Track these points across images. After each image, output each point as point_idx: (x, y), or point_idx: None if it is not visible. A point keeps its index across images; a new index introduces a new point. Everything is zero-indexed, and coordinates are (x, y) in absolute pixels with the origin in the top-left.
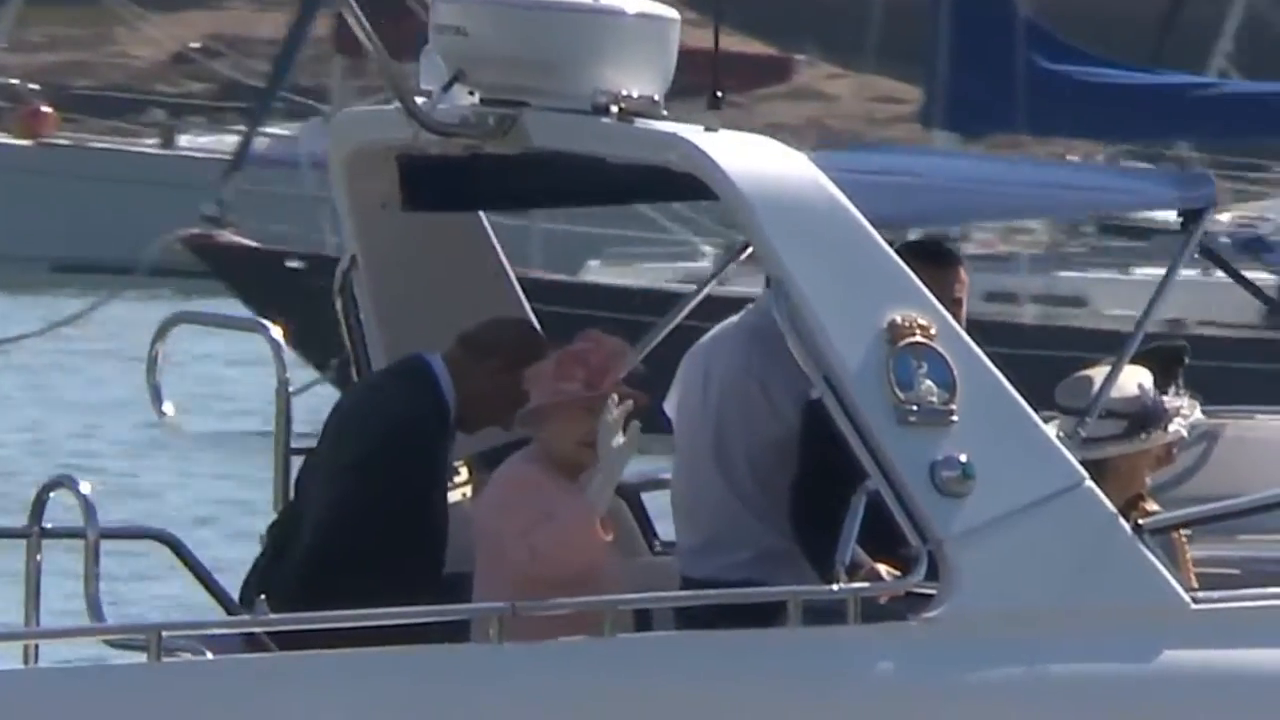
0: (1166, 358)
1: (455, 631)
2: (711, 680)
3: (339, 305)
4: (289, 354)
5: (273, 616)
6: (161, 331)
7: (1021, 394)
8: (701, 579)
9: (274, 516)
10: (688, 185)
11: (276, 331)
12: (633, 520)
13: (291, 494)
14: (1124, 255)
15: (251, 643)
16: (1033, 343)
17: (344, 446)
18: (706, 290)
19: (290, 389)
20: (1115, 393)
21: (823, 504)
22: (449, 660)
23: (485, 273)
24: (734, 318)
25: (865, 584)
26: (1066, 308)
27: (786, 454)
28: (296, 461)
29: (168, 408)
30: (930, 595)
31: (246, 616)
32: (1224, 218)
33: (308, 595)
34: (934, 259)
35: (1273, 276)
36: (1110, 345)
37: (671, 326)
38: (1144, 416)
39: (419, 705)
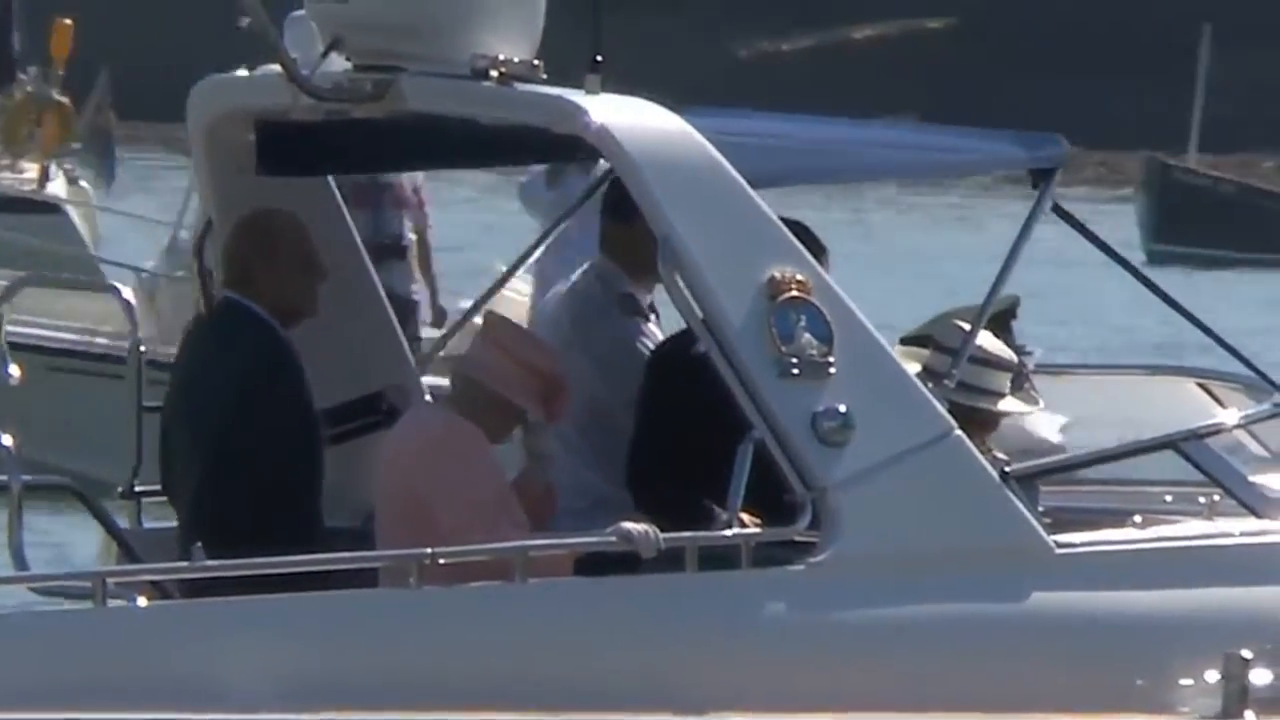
0: (999, 312)
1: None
2: (616, 622)
3: (195, 267)
4: None
5: (211, 563)
6: (9, 293)
7: None
8: None
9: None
10: (560, 145)
11: (128, 292)
12: None
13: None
14: None
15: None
16: None
17: (201, 409)
18: (541, 249)
19: (143, 347)
20: (996, 349)
21: (659, 456)
22: (375, 603)
23: (333, 236)
24: (564, 284)
25: (758, 530)
26: None
27: (605, 408)
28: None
29: (14, 370)
30: (813, 541)
31: (187, 563)
32: None
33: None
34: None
35: None
36: None
37: (507, 280)
38: (1020, 376)
39: (352, 646)
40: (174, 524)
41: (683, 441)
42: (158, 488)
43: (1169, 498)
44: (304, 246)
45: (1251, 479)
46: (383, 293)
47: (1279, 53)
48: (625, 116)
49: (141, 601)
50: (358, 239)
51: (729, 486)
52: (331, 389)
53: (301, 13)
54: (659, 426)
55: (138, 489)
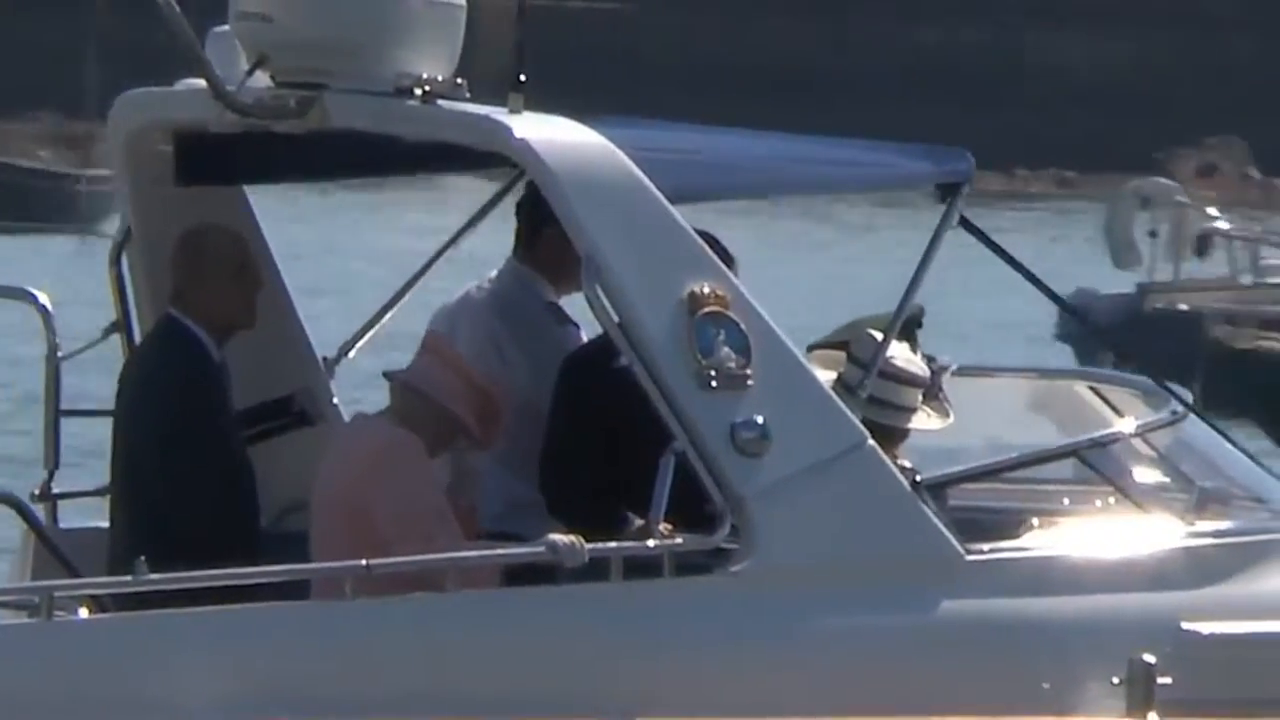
0: (906, 322)
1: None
2: (546, 631)
3: (111, 276)
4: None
5: (154, 576)
6: None
7: None
8: None
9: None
10: (478, 157)
11: (44, 298)
12: None
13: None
14: None
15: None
16: None
17: (136, 416)
18: (444, 253)
19: (59, 354)
20: (908, 364)
21: (567, 463)
22: (317, 615)
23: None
24: (473, 285)
25: (681, 540)
26: None
27: (534, 411)
28: (66, 423)
29: None
30: (733, 549)
31: (131, 577)
32: None
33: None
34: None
35: None
36: None
37: (412, 287)
38: (934, 391)
39: (297, 655)
40: (89, 525)
41: (596, 449)
42: (73, 490)
43: (1067, 500)
44: (237, 260)
45: (1148, 483)
46: (291, 298)
47: None
48: (547, 133)
49: (83, 613)
50: (270, 247)
51: (642, 494)
52: (242, 392)
53: (225, 29)
54: (572, 433)
55: (54, 491)
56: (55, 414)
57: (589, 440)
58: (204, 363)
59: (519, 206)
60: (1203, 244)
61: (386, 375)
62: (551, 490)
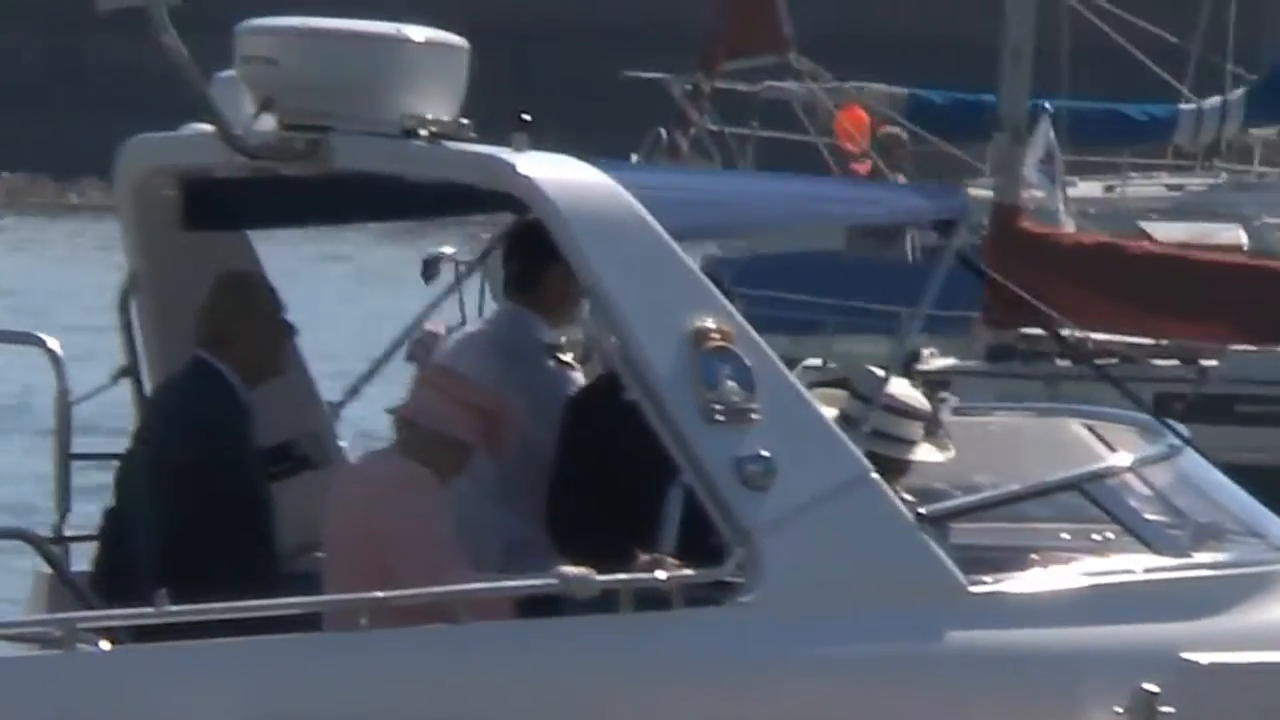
0: (905, 361)
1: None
2: (558, 662)
3: (120, 321)
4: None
5: (173, 609)
6: None
7: None
8: None
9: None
10: (484, 200)
11: (54, 343)
12: None
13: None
14: None
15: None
16: None
17: (164, 455)
18: (445, 298)
19: (70, 398)
20: (910, 398)
21: (576, 500)
22: (334, 645)
23: None
24: (471, 327)
25: (690, 572)
26: None
27: (535, 451)
28: (75, 467)
29: None
30: (740, 582)
31: (152, 609)
32: None
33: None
34: None
35: None
36: None
37: (420, 324)
38: (933, 424)
39: (315, 685)
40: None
41: (603, 485)
42: (85, 533)
43: (1066, 535)
44: (277, 307)
45: (1146, 517)
46: (296, 343)
47: None
48: (553, 173)
49: (104, 646)
50: (275, 291)
51: (648, 529)
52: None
53: (230, 73)
54: (579, 471)
55: (66, 534)
56: (65, 457)
57: (595, 478)
58: (229, 400)
59: (512, 248)
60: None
61: (389, 412)
62: (559, 528)
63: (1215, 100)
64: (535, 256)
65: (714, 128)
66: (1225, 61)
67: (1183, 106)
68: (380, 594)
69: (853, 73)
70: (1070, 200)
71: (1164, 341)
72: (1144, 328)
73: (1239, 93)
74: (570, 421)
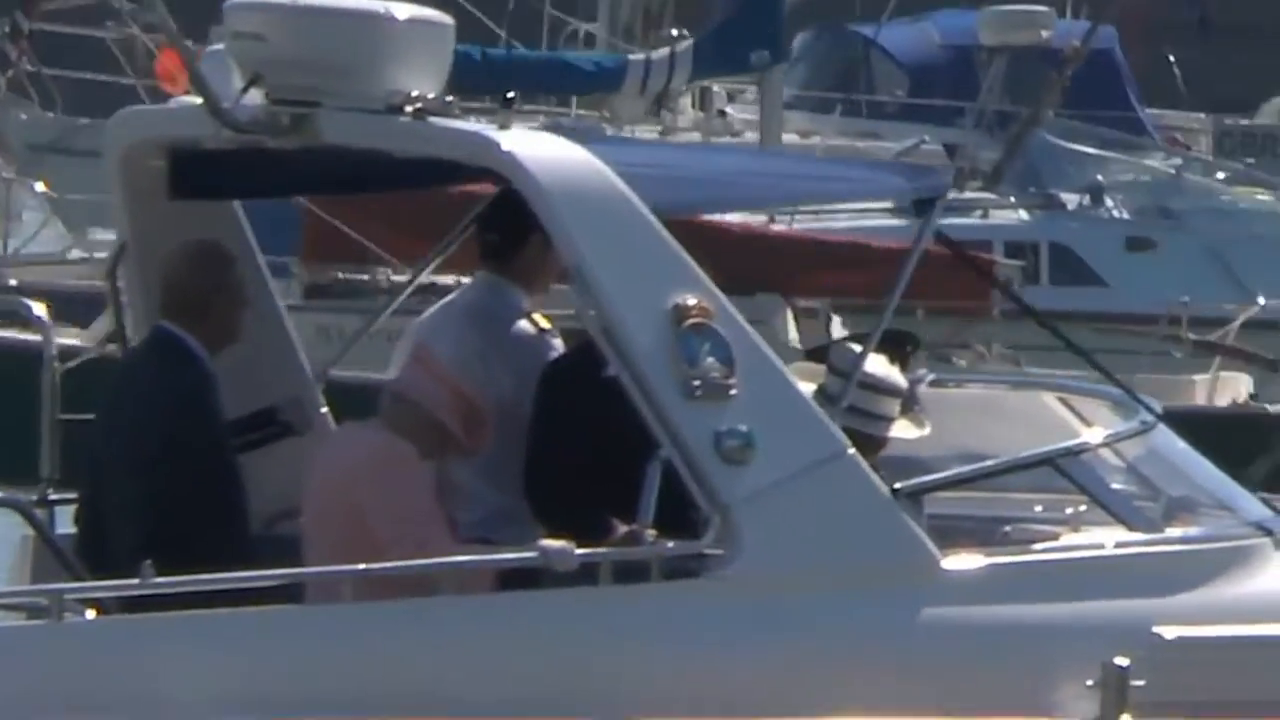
0: (899, 342)
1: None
2: (534, 633)
3: (109, 288)
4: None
5: (160, 580)
6: None
7: None
8: None
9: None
10: (465, 173)
11: (40, 308)
12: None
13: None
14: None
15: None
16: None
17: (139, 431)
18: (420, 279)
19: (57, 363)
20: (887, 375)
21: (553, 470)
22: (317, 617)
23: (239, 257)
24: (450, 298)
25: (669, 545)
26: None
27: (504, 421)
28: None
29: None
30: (718, 555)
31: (137, 580)
32: None
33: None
34: None
35: None
36: None
37: (390, 312)
38: (912, 401)
39: (297, 657)
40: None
41: (578, 456)
42: (71, 496)
43: (1039, 508)
44: (241, 276)
45: (1118, 491)
46: (282, 309)
47: None
48: (536, 149)
49: (90, 615)
50: (260, 259)
51: (623, 500)
52: (230, 403)
53: (219, 47)
54: (556, 441)
55: (51, 498)
56: (54, 423)
57: (571, 448)
58: (204, 375)
59: (490, 219)
60: None
61: (377, 384)
62: (536, 497)
63: (664, 51)
64: (515, 227)
65: (32, 68)
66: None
67: (631, 57)
68: (362, 566)
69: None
70: None
71: None
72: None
73: (687, 44)
74: (545, 392)
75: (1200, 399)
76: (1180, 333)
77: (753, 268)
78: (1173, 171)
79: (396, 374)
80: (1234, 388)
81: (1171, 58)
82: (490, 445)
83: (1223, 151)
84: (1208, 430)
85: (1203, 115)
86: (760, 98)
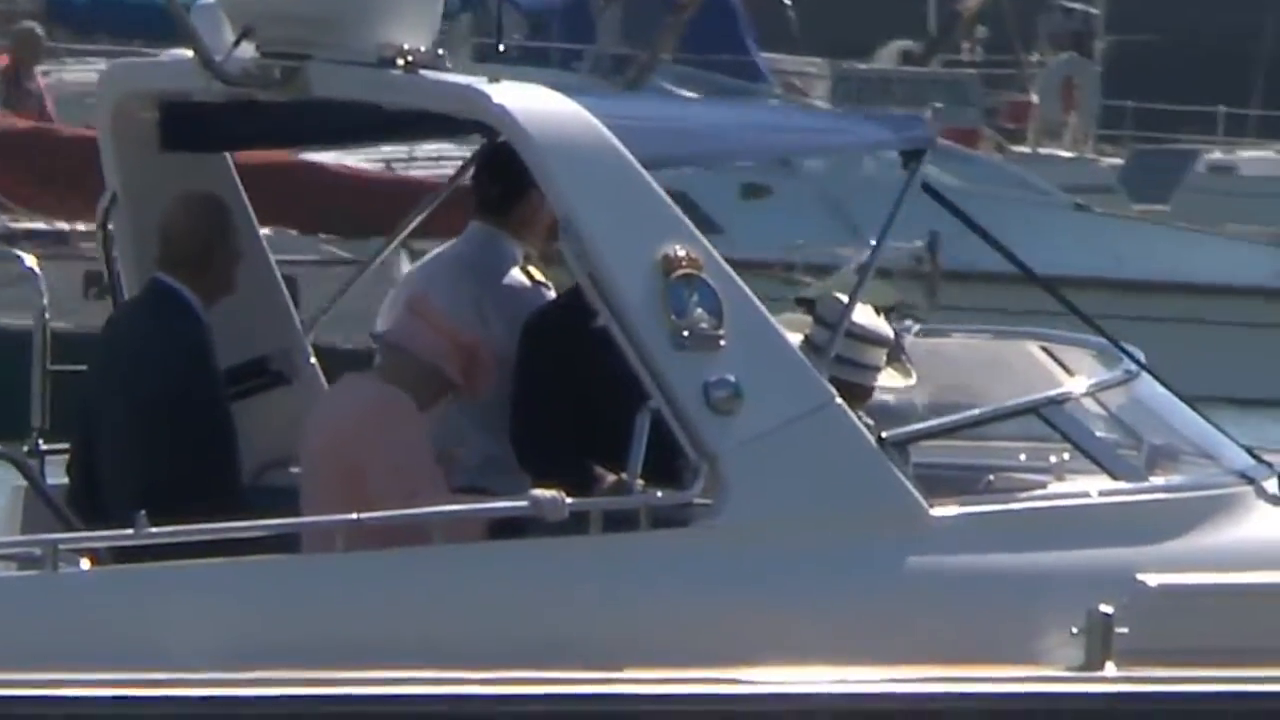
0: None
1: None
2: (526, 581)
3: (100, 238)
4: None
5: (153, 530)
6: None
7: None
8: None
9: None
10: (455, 125)
11: (30, 260)
12: None
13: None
14: None
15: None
16: None
17: (136, 383)
18: (401, 237)
19: (47, 315)
20: (873, 325)
21: (537, 418)
22: (311, 567)
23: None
24: (442, 248)
25: (658, 495)
26: None
27: (502, 370)
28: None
29: None
30: (707, 504)
31: (132, 530)
32: None
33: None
34: None
35: None
36: None
37: (371, 269)
38: (898, 351)
39: (291, 606)
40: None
41: (562, 404)
42: (60, 446)
43: (1023, 456)
44: (236, 227)
45: (1102, 440)
46: (272, 260)
47: None
48: (527, 102)
49: (85, 565)
50: (250, 210)
51: (608, 449)
52: (223, 353)
53: (211, 1)
54: (537, 391)
55: (42, 448)
56: (45, 373)
57: (552, 397)
58: (199, 326)
59: (485, 170)
60: None
61: (374, 336)
62: (519, 446)
63: None
64: (516, 179)
65: None
66: None
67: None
68: (354, 516)
69: None
70: None
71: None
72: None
73: None
74: (529, 340)
75: None
76: (795, 278)
77: (370, 212)
78: None
79: (390, 326)
80: None
81: (788, 1)
82: (489, 392)
83: (840, 96)
84: None
85: (820, 60)
86: None
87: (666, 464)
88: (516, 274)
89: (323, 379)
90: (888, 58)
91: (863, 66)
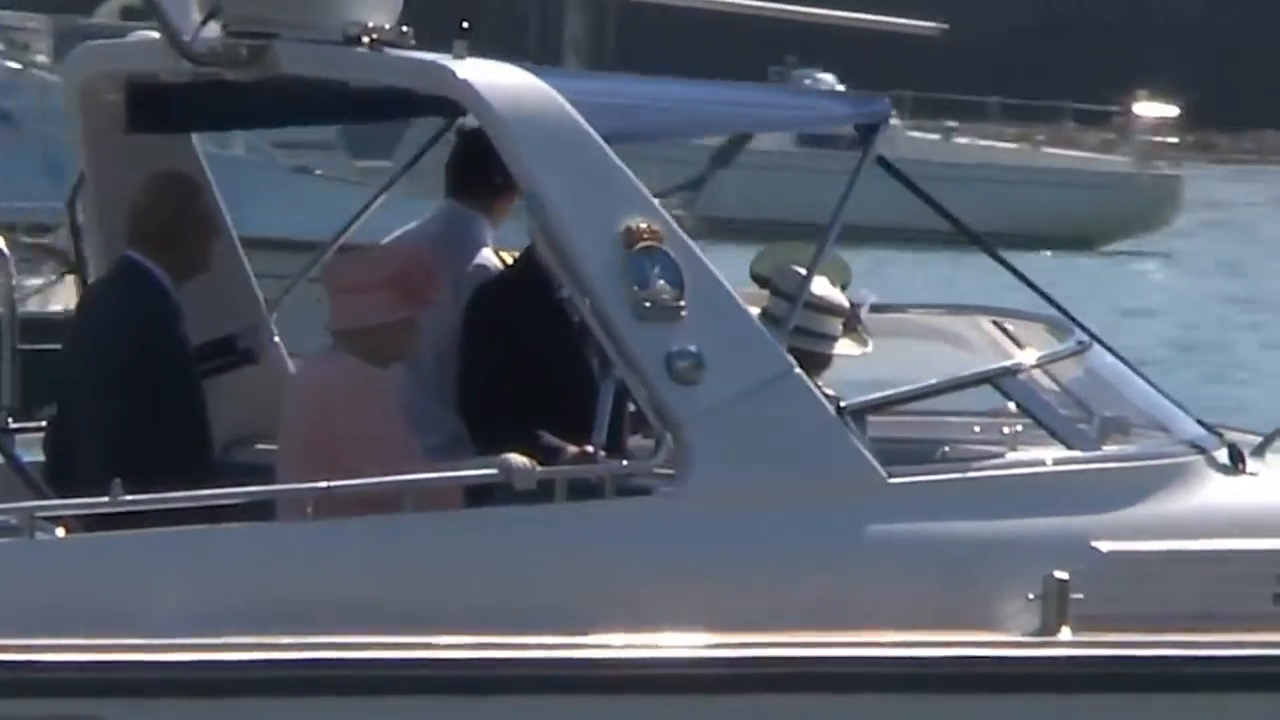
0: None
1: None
2: (494, 549)
3: (67, 218)
4: None
5: (129, 498)
6: None
7: None
8: None
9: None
10: (422, 104)
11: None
12: None
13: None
14: None
15: None
16: None
17: (104, 358)
18: (365, 215)
19: (16, 295)
20: (830, 295)
21: (484, 390)
22: (282, 534)
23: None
24: (412, 225)
25: (623, 463)
26: None
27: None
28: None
29: None
30: (668, 474)
31: (108, 499)
32: None
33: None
34: None
35: None
36: None
37: (334, 248)
38: (855, 320)
39: (264, 573)
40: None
41: (509, 376)
42: (29, 424)
43: (977, 428)
44: (209, 205)
45: (1056, 411)
46: (236, 239)
47: None
48: (490, 77)
49: (60, 533)
50: (216, 190)
51: (556, 418)
52: (191, 331)
53: None
54: (486, 362)
55: (11, 426)
56: (13, 351)
57: (500, 367)
58: (167, 300)
59: (460, 150)
60: None
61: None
62: (470, 415)
63: None
64: (488, 158)
65: None
66: None
67: None
68: (324, 484)
69: None
70: None
71: None
72: None
73: None
74: (470, 314)
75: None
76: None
77: None
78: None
79: (329, 319)
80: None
81: None
82: (451, 373)
83: (63, 51)
84: None
85: (42, 15)
86: None
87: (616, 435)
88: (488, 254)
89: (288, 359)
90: (107, 12)
91: (83, 21)
